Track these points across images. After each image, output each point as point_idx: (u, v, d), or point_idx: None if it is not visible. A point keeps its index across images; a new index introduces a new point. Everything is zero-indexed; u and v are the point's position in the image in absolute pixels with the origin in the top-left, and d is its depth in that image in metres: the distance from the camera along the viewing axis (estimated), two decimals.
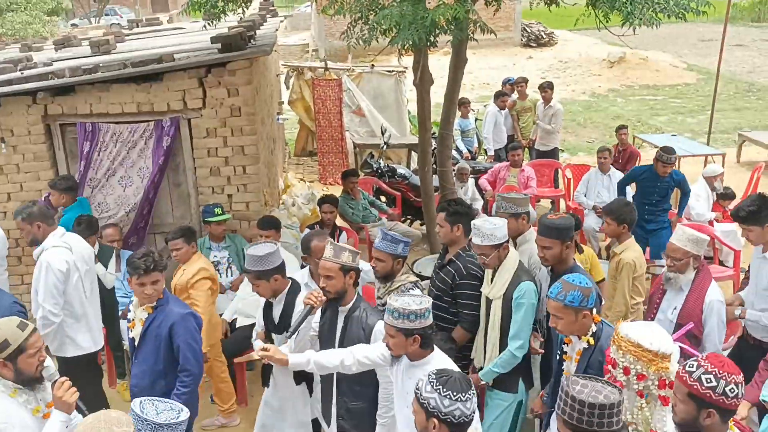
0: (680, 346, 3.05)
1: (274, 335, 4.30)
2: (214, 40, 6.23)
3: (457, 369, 3.15)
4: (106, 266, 5.67)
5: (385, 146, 10.04)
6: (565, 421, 2.53)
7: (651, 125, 15.52)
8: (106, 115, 6.23)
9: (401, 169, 9.42)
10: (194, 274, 5.14)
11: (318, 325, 4.06)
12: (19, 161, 6.35)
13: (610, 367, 3.02)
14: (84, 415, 3.14)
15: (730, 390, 2.58)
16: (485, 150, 10.57)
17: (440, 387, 2.68)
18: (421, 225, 8.70)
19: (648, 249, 6.88)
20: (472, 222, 4.31)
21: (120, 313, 5.79)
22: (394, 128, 11.54)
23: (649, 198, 7.08)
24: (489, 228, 4.14)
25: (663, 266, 5.04)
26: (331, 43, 24.91)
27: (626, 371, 2.94)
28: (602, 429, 2.47)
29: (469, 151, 10.53)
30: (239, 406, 5.69)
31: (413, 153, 10.58)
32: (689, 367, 2.66)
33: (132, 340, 4.17)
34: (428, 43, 5.41)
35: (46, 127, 6.31)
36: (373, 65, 12.31)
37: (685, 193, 7.33)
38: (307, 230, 6.40)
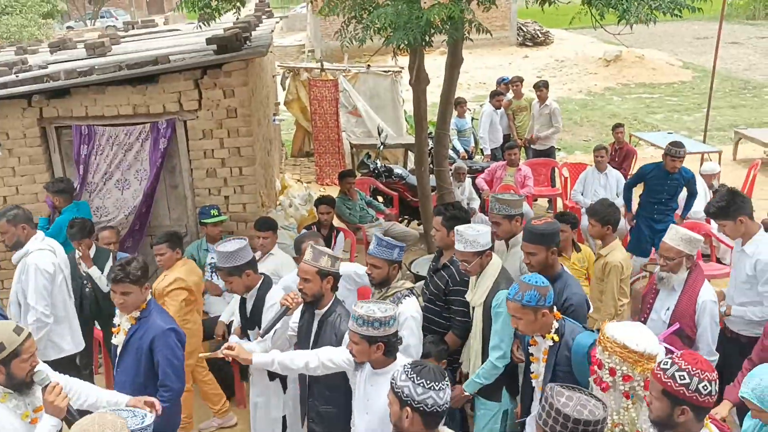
0: (665, 347, 3.06)
1: (249, 331, 4.34)
2: (209, 41, 6.22)
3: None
4: (102, 269, 5.65)
5: (381, 146, 10.04)
6: None
7: (647, 123, 15.54)
8: (101, 118, 6.21)
9: (398, 169, 9.41)
10: (170, 283, 5.07)
11: (297, 326, 4.08)
12: (15, 164, 6.33)
13: (596, 368, 3.01)
14: (73, 419, 3.15)
15: (703, 387, 2.60)
16: (482, 150, 10.57)
17: (414, 375, 2.73)
18: (419, 225, 8.69)
19: (654, 249, 6.81)
20: (456, 227, 4.23)
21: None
22: (391, 128, 11.53)
23: (658, 197, 6.94)
24: (472, 234, 4.08)
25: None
26: (327, 43, 24.91)
27: (612, 372, 2.94)
28: None
29: (466, 151, 10.53)
30: (238, 408, 5.68)
31: (410, 153, 10.58)
32: (664, 364, 2.69)
33: (115, 347, 4.12)
34: (423, 43, 5.40)
35: (41, 129, 6.29)
36: (369, 66, 12.30)
37: (692, 194, 7.14)
38: (304, 231, 6.40)
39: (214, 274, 6.06)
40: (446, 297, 4.49)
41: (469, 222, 4.76)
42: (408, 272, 7.31)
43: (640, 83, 20.27)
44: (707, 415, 2.77)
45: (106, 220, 6.31)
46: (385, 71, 12.27)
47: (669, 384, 2.63)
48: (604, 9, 5.35)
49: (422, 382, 2.70)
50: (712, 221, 7.56)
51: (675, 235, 4.27)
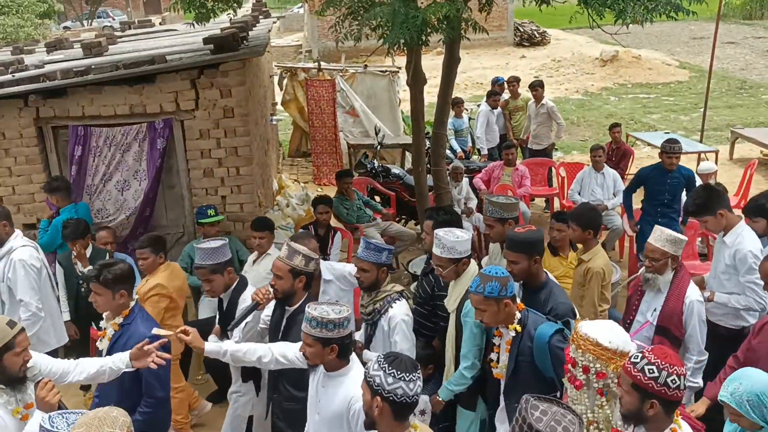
0: (637, 344, 3.07)
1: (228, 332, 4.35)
2: (206, 41, 6.22)
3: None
4: None
5: (379, 146, 10.04)
6: None
7: (644, 123, 15.55)
8: (98, 118, 6.20)
9: (395, 169, 9.41)
10: (150, 288, 5.01)
11: (269, 319, 4.11)
12: (11, 164, 6.32)
13: (569, 366, 3.01)
14: None
15: (671, 381, 2.64)
16: (479, 150, 10.58)
17: (386, 365, 2.74)
18: (416, 225, 8.69)
19: None
20: (435, 231, 4.17)
21: None
22: (388, 128, 11.53)
23: (660, 198, 6.84)
24: (451, 241, 3.99)
25: None
26: (324, 43, 24.91)
27: (586, 370, 2.94)
28: None
29: (463, 151, 10.54)
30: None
31: (407, 153, 10.57)
32: (634, 358, 2.73)
33: (100, 352, 4.08)
34: (420, 43, 5.39)
35: (38, 129, 6.28)
36: (366, 66, 12.30)
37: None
38: (301, 230, 6.39)
39: None
40: (433, 302, 4.48)
41: (460, 226, 4.75)
42: (405, 272, 7.32)
43: (637, 83, 20.29)
44: (679, 410, 2.81)
45: (107, 222, 6.30)
46: (382, 71, 12.27)
47: (638, 377, 2.67)
48: (600, 9, 5.35)
49: (393, 372, 2.72)
50: None
51: (660, 236, 4.28)
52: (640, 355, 2.72)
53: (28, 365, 3.21)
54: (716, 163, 9.71)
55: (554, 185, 9.85)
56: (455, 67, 6.74)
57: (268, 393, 4.21)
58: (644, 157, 12.37)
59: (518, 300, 4.03)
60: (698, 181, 7.75)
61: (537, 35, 27.42)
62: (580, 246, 5.74)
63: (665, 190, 6.82)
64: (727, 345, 4.66)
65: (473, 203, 8.40)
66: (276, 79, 12.59)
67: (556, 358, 3.38)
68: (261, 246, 5.55)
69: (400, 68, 11.68)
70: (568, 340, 3.14)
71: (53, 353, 4.98)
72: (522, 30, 27.60)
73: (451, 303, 4.13)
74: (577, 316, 4.44)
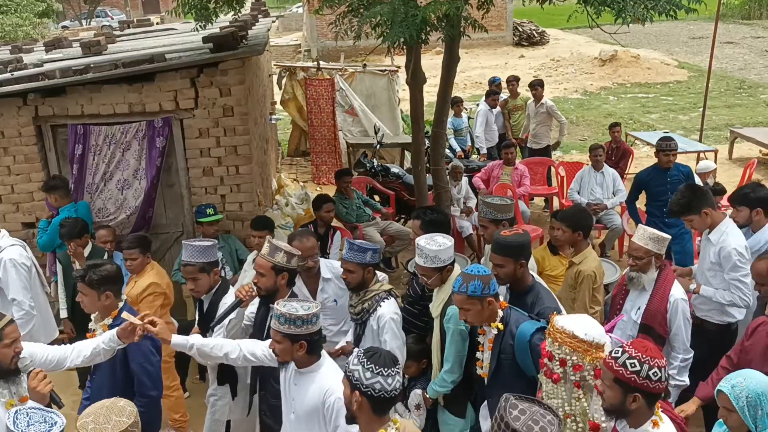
0: (611, 337, 3.09)
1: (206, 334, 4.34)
2: (206, 39, 6.21)
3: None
4: None
5: (378, 146, 10.04)
6: None
7: (643, 123, 15.56)
8: (97, 116, 6.19)
9: (395, 168, 9.42)
10: (144, 288, 5.00)
11: (253, 316, 4.11)
12: (10, 163, 6.30)
13: (546, 360, 3.03)
14: (59, 406, 3.19)
15: (653, 374, 2.69)
16: (478, 149, 10.58)
17: (365, 360, 2.76)
18: None
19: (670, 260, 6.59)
20: (416, 241, 4.11)
21: None
22: (387, 127, 11.53)
23: (662, 198, 6.69)
24: (433, 250, 3.93)
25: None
26: (323, 43, 24.91)
27: (563, 363, 2.96)
28: None
29: (463, 150, 10.55)
30: None
31: (406, 152, 10.58)
32: (615, 353, 2.77)
33: None
34: (420, 41, 5.39)
35: (37, 128, 6.26)
36: (365, 65, 12.30)
37: None
38: (301, 228, 6.39)
39: None
40: (423, 302, 4.47)
41: (448, 226, 4.73)
42: (405, 271, 7.32)
43: (636, 83, 20.30)
44: (660, 403, 2.84)
45: (108, 221, 6.29)
46: (381, 70, 12.28)
47: (620, 372, 2.70)
48: (600, 8, 5.35)
49: (371, 367, 2.73)
50: None
51: (643, 235, 4.29)
52: (621, 349, 2.76)
53: (21, 356, 3.23)
54: (715, 162, 9.72)
55: (554, 184, 9.86)
56: (455, 66, 6.73)
57: (251, 390, 4.20)
58: (643, 156, 12.38)
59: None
60: (697, 180, 7.77)
61: (536, 35, 27.44)
62: (551, 254, 5.73)
63: (666, 189, 6.73)
64: (714, 341, 4.69)
65: (472, 202, 8.41)
66: (275, 78, 12.59)
67: (537, 356, 3.34)
68: (260, 245, 5.53)
69: (399, 67, 11.68)
70: None
71: None
72: (521, 30, 27.62)
73: (435, 308, 4.11)
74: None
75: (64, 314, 5.53)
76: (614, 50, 21.65)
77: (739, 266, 4.52)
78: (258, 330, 4.05)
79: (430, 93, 7.52)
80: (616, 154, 9.33)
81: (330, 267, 4.78)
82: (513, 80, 10.66)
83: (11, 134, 6.23)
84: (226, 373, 4.27)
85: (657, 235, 4.26)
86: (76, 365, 3.70)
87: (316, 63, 12.10)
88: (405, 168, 9.91)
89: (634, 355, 2.71)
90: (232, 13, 6.78)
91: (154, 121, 6.15)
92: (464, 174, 8.69)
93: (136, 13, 42.96)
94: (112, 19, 37.79)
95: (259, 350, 3.63)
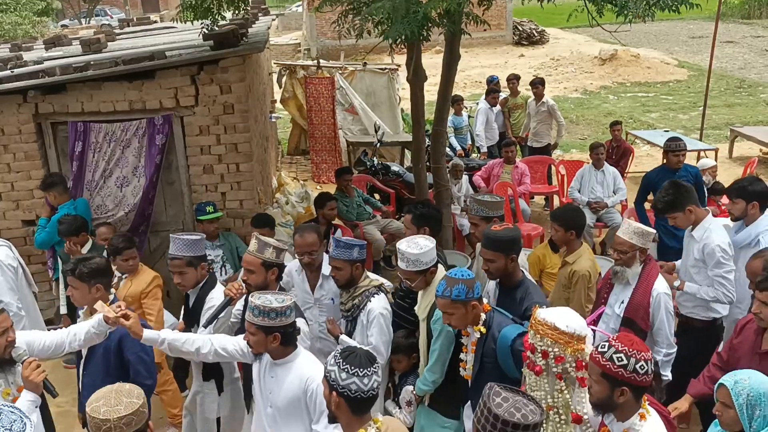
0: (592, 329, 3.11)
1: (190, 328, 4.35)
2: (206, 37, 6.20)
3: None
4: None
5: (378, 144, 10.03)
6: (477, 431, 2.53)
7: (643, 122, 15.56)
8: (97, 114, 6.18)
9: (395, 167, 9.41)
10: (149, 282, 5.02)
11: (239, 313, 4.10)
12: (10, 160, 6.28)
13: (529, 353, 3.04)
14: (53, 395, 3.21)
15: (640, 367, 2.71)
16: (478, 147, 10.58)
17: (341, 361, 2.74)
18: None
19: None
20: (397, 245, 4.10)
21: None
22: (387, 126, 11.52)
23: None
24: (414, 254, 3.92)
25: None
26: (323, 42, 24.89)
27: (545, 355, 2.97)
28: None
29: (463, 148, 10.54)
30: None
31: (406, 150, 10.57)
32: (601, 348, 2.79)
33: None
34: (421, 37, 5.39)
35: (37, 125, 6.24)
36: (365, 63, 12.29)
37: (700, 188, 6.68)
38: (308, 223, 6.37)
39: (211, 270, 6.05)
40: (413, 294, 4.48)
41: (439, 221, 4.74)
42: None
43: (636, 82, 20.30)
44: (646, 396, 2.86)
45: (105, 218, 6.28)
46: (381, 69, 12.26)
47: (608, 366, 2.73)
48: (601, 5, 5.34)
49: (347, 368, 2.71)
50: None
51: (627, 229, 4.30)
52: (607, 344, 2.78)
53: (16, 346, 3.24)
54: (716, 161, 9.72)
55: (554, 183, 9.86)
56: (455, 64, 6.73)
57: (244, 384, 4.17)
58: (644, 155, 12.38)
59: (494, 299, 4.03)
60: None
61: (536, 34, 27.42)
62: (550, 250, 5.72)
63: None
64: (700, 337, 4.71)
65: None
66: (275, 76, 12.57)
67: (519, 360, 3.32)
68: None
69: (399, 66, 11.68)
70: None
71: None
72: (521, 29, 27.60)
73: (421, 311, 4.09)
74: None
75: (64, 310, 5.54)
76: (614, 49, 21.65)
77: (722, 263, 4.55)
78: (244, 327, 4.05)
79: (431, 92, 7.51)
80: (616, 153, 9.33)
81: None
82: (513, 79, 10.66)
83: (11, 131, 6.21)
84: (211, 369, 4.25)
85: (642, 229, 4.28)
86: (73, 349, 3.72)
87: (316, 61, 12.08)
88: (405, 166, 9.91)
89: (620, 349, 2.73)
90: (238, 11, 6.76)
91: (155, 119, 6.14)
92: (465, 172, 8.68)
93: (135, 11, 42.93)
94: (112, 17, 37.78)
95: (230, 345, 3.64)
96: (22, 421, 2.54)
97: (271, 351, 3.34)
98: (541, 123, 9.95)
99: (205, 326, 4.02)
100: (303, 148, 13.00)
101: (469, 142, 10.85)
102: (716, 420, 3.17)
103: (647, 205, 7.10)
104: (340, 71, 11.80)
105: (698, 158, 10.29)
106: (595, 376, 2.78)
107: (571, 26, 25.21)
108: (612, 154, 9.21)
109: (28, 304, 5.17)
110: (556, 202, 9.53)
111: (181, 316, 4.51)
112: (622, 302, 4.35)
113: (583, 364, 2.93)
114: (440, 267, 4.13)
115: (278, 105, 12.94)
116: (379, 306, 4.14)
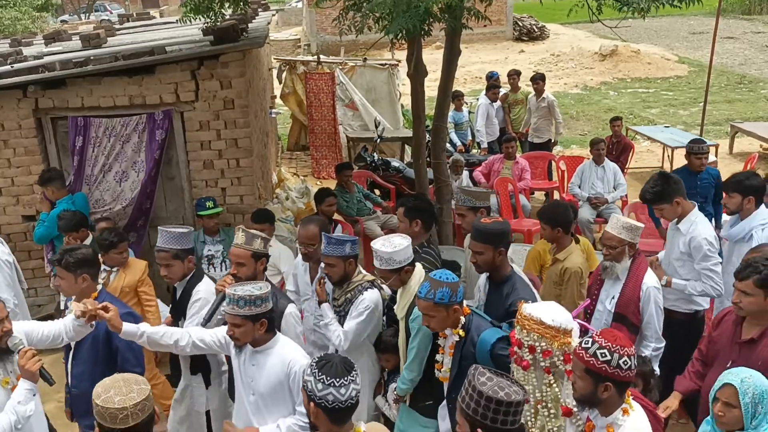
0: (578, 323, 3.11)
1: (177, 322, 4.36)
2: (206, 32, 6.18)
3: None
4: None
5: (378, 139, 10.02)
6: (462, 410, 2.56)
7: (643, 118, 15.54)
8: (97, 109, 6.17)
9: (395, 162, 9.40)
10: (143, 270, 5.08)
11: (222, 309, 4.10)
12: (10, 156, 6.29)
13: (516, 348, 3.05)
14: (50, 383, 3.24)
15: (623, 362, 2.73)
16: (478, 143, 10.57)
17: (317, 371, 2.69)
18: None
19: None
20: (372, 243, 4.07)
21: None
22: (388, 121, 11.51)
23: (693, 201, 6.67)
24: (388, 252, 3.88)
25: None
26: (323, 37, 24.84)
27: (532, 350, 2.99)
28: (496, 425, 2.47)
29: (463, 144, 10.54)
30: None
31: (407, 146, 10.57)
32: (585, 344, 2.81)
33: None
34: (422, 32, 5.38)
35: (37, 120, 6.25)
36: (365, 59, 12.26)
37: (717, 199, 6.48)
38: (311, 216, 6.35)
39: (210, 266, 6.04)
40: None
41: (432, 213, 4.73)
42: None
43: (636, 78, 20.26)
44: (630, 391, 2.88)
45: (103, 212, 6.28)
46: (381, 64, 12.24)
47: (591, 362, 2.74)
48: (602, 0, 5.32)
49: (322, 378, 2.65)
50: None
51: (616, 224, 4.30)
52: (591, 340, 2.79)
53: (13, 336, 3.26)
54: (716, 157, 9.72)
55: (554, 179, 9.85)
56: (456, 60, 6.71)
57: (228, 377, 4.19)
58: (644, 150, 12.38)
59: (485, 294, 4.02)
60: None
61: (536, 30, 27.38)
62: (581, 238, 5.72)
63: (696, 192, 6.37)
64: (682, 330, 4.71)
65: None
66: (275, 72, 12.56)
67: (500, 365, 3.28)
68: None
69: (399, 61, 11.65)
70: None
71: None
72: (521, 25, 27.56)
73: (399, 309, 4.06)
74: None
75: (63, 306, 5.53)
76: (614, 45, 21.61)
77: (709, 256, 4.55)
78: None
79: (431, 87, 7.50)
80: (616, 149, 9.33)
81: None
82: (514, 74, 10.65)
83: (11, 126, 6.21)
84: (198, 363, 4.26)
85: (631, 224, 4.29)
86: (71, 339, 3.75)
87: (316, 57, 12.06)
88: (405, 162, 9.90)
89: (604, 345, 2.74)
90: (238, 9, 6.74)
91: (155, 114, 6.13)
92: (465, 168, 8.68)
93: (135, 7, 42.83)
94: (111, 13, 37.62)
95: (208, 336, 3.67)
96: None
97: (257, 339, 3.37)
98: (542, 119, 9.94)
99: (204, 325, 4.01)
100: (303, 143, 12.98)
101: (470, 138, 10.84)
102: (707, 418, 3.17)
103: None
104: (341, 67, 11.78)
105: None
106: (579, 371, 2.80)
107: (571, 22, 25.15)
108: (612, 149, 9.21)
109: (21, 301, 5.22)
110: (557, 197, 9.53)
111: (169, 309, 4.51)
112: (613, 298, 4.35)
113: (571, 357, 2.94)
114: (418, 266, 4.07)
115: (278, 100, 12.92)
116: (370, 299, 4.14)
